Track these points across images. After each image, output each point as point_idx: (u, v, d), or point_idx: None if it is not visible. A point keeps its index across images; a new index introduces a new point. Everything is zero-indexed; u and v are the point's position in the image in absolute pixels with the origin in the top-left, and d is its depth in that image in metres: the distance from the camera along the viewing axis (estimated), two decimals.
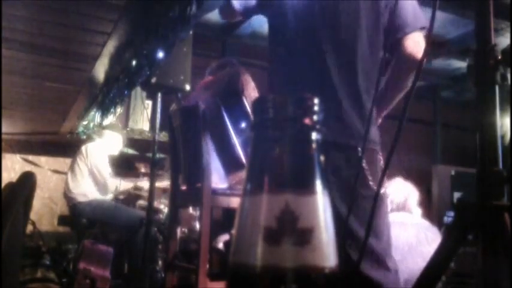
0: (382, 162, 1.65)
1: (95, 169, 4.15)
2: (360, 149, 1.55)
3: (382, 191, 1.61)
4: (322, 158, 0.41)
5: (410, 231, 2.50)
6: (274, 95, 0.41)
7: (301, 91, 1.56)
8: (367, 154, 1.58)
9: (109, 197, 4.26)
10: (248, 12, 1.90)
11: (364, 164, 1.55)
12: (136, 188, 4.39)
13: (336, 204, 1.43)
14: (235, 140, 2.49)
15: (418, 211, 2.77)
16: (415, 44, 1.65)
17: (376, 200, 1.19)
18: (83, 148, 4.29)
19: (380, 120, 1.82)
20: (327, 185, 0.41)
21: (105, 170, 4.17)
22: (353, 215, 1.45)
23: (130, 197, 4.43)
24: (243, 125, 2.48)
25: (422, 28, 1.67)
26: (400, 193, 2.73)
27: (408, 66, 1.65)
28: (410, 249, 2.39)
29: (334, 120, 1.57)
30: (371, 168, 1.58)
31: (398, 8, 1.65)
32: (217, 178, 2.39)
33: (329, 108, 1.53)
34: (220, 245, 2.80)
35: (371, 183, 1.56)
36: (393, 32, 1.66)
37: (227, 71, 2.81)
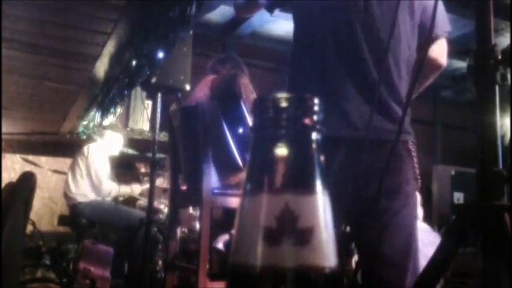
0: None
1: (92, 170, 4.16)
2: (410, 141, 1.56)
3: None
4: (322, 158, 0.41)
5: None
6: (266, 96, 0.41)
7: (346, 93, 1.54)
8: (412, 148, 1.59)
9: (109, 197, 4.26)
10: (272, 7, 1.84)
11: (415, 160, 1.57)
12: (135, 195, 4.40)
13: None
14: (232, 143, 2.49)
15: (422, 216, 2.79)
16: (441, 48, 1.69)
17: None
18: (85, 148, 4.29)
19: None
20: (327, 185, 0.41)
21: (102, 173, 4.17)
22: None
23: (131, 197, 4.44)
24: (240, 130, 2.49)
25: (447, 32, 1.70)
26: None
27: (430, 69, 1.67)
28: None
29: (389, 121, 1.54)
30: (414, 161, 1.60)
31: (428, 7, 1.64)
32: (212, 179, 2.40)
33: (383, 109, 1.51)
34: (220, 245, 2.80)
35: (418, 177, 1.58)
36: (423, 33, 1.65)
37: (225, 75, 2.82)
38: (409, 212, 1.55)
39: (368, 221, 1.48)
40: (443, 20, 1.71)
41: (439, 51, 1.69)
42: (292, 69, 1.73)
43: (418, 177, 1.62)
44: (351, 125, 1.49)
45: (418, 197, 2.80)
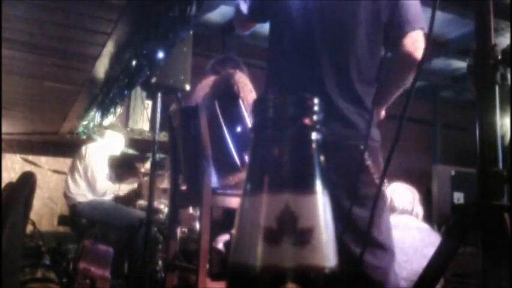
0: (381, 159, 1.66)
1: (89, 170, 4.17)
2: (362, 147, 1.55)
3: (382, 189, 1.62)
4: (322, 158, 0.41)
5: (416, 234, 2.50)
6: (271, 95, 0.41)
7: (297, 92, 1.56)
8: (371, 152, 1.58)
9: (109, 197, 4.27)
10: (256, 15, 1.89)
11: (369, 162, 1.56)
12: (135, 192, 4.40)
13: (342, 203, 1.43)
14: (230, 143, 2.49)
15: (422, 215, 2.78)
16: (414, 42, 1.65)
17: (378, 197, 1.19)
18: (83, 148, 4.30)
19: (382, 117, 1.82)
20: (327, 185, 0.41)
21: (98, 173, 4.18)
22: (358, 212, 1.46)
23: (131, 197, 4.44)
24: (239, 129, 2.49)
25: (422, 28, 1.67)
26: (406, 198, 2.73)
27: (406, 65, 1.65)
28: (415, 252, 2.40)
29: (334, 121, 1.57)
30: (376, 166, 1.58)
31: (399, 6, 1.65)
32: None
33: (328, 108, 1.53)
34: (220, 245, 2.80)
35: (376, 181, 1.57)
36: (393, 30, 1.66)
37: (224, 74, 2.82)
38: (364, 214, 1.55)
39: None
40: (416, 16, 1.68)
41: (412, 46, 1.64)
42: (268, 69, 1.80)
43: (374, 179, 1.60)
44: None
45: (417, 196, 2.80)
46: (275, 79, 1.75)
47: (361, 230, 1.48)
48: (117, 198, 4.34)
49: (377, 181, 1.56)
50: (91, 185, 4.16)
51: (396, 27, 1.65)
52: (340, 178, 1.46)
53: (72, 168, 4.26)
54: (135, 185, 4.43)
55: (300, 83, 1.65)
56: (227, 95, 2.62)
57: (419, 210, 2.73)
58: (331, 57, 1.64)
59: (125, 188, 4.39)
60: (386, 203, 1.69)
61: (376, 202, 1.29)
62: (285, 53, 1.72)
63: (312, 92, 1.52)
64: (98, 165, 4.20)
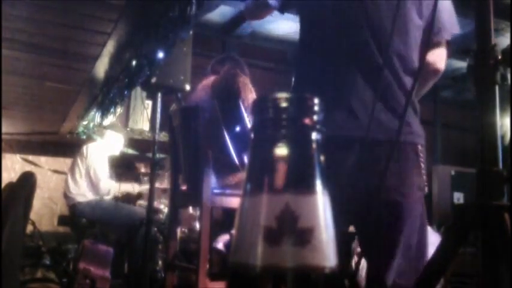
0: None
1: (91, 170, 4.16)
2: (420, 146, 1.57)
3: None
4: (322, 158, 0.41)
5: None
6: (266, 96, 0.41)
7: (357, 96, 1.53)
8: (420, 153, 1.59)
9: (109, 197, 4.26)
10: (284, 7, 1.83)
11: (422, 164, 1.56)
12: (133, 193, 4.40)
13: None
14: (230, 143, 2.49)
15: None
16: (441, 52, 1.65)
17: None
18: (84, 148, 4.29)
19: None
20: (327, 185, 0.41)
21: (101, 172, 4.17)
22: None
23: (131, 197, 4.44)
24: (238, 129, 2.49)
25: (454, 35, 1.67)
26: None
27: (427, 72, 1.65)
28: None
29: (391, 119, 1.53)
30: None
31: (439, 10, 1.61)
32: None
33: (391, 106, 1.51)
34: (220, 245, 2.80)
35: (425, 182, 1.57)
36: (429, 35, 1.62)
37: (224, 74, 2.81)
38: (414, 224, 1.52)
39: (375, 229, 1.46)
40: (452, 22, 1.66)
41: (439, 55, 1.65)
42: (300, 69, 1.71)
43: (425, 184, 1.61)
44: (360, 125, 1.47)
45: None
46: (317, 76, 1.63)
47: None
48: (117, 198, 4.33)
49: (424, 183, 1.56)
50: (94, 185, 4.15)
51: (431, 33, 1.60)
52: (392, 182, 1.44)
53: (73, 168, 4.26)
54: (135, 189, 4.43)
55: (358, 84, 1.57)
56: (227, 95, 2.62)
57: None
58: (381, 55, 1.56)
59: (125, 189, 4.38)
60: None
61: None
62: (328, 51, 1.61)
63: (373, 90, 1.49)
64: (100, 165, 4.19)
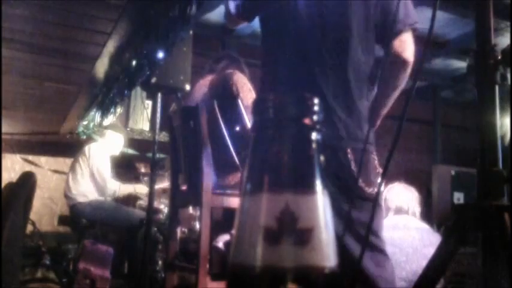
0: (376, 162, 1.65)
1: (95, 171, 4.15)
2: (349, 150, 1.55)
3: (375, 191, 1.60)
4: (322, 158, 0.41)
5: (415, 234, 2.49)
6: (266, 96, 0.41)
7: (292, 94, 1.56)
8: (357, 155, 1.57)
9: (112, 197, 4.26)
10: (244, 15, 1.89)
11: (353, 167, 1.55)
12: (137, 194, 4.40)
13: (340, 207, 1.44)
14: (229, 143, 2.49)
15: (420, 215, 2.77)
16: (402, 43, 1.65)
17: (377, 199, 1.19)
18: (86, 148, 4.28)
19: (379, 120, 1.82)
20: (326, 185, 0.41)
21: (106, 173, 4.17)
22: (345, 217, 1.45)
23: (131, 197, 4.44)
24: (238, 128, 2.49)
25: (412, 25, 1.67)
26: (402, 197, 2.72)
27: (395, 65, 1.66)
28: (415, 252, 2.39)
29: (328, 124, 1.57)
30: (362, 169, 1.57)
31: (389, 5, 1.65)
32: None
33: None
34: (220, 244, 2.80)
35: (361, 184, 1.55)
36: (383, 31, 1.67)
37: (220, 73, 2.81)
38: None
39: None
40: (407, 14, 1.68)
41: (400, 45, 1.65)
42: (263, 74, 1.80)
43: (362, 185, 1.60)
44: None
45: (416, 195, 2.79)
46: (274, 80, 1.74)
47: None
48: (117, 199, 4.33)
49: (362, 185, 1.56)
50: (100, 186, 4.15)
51: (386, 28, 1.65)
52: (333, 181, 1.47)
53: (74, 168, 4.25)
54: (138, 189, 4.42)
55: (298, 85, 1.65)
56: (225, 95, 2.62)
57: (416, 209, 2.72)
58: (327, 58, 1.63)
59: (126, 190, 4.38)
60: (382, 208, 1.69)
61: (375, 206, 1.29)
62: (282, 56, 1.71)
63: (310, 92, 1.54)
64: (104, 166, 4.18)
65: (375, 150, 1.67)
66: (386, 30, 1.65)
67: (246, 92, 2.62)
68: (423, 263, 2.35)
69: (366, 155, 1.60)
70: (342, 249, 1.45)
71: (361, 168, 1.54)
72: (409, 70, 1.67)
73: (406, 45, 1.65)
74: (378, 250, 1.58)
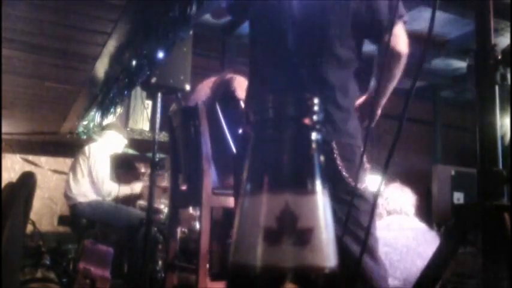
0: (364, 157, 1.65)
1: (93, 171, 4.15)
2: (334, 144, 1.54)
3: (362, 186, 1.60)
4: (322, 158, 0.41)
5: (409, 233, 2.50)
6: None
7: (274, 91, 1.58)
8: (342, 149, 1.56)
9: (109, 198, 4.26)
10: (232, 11, 1.94)
11: (338, 161, 1.54)
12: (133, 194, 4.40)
13: None
14: (231, 144, 2.49)
15: (415, 215, 2.77)
16: (394, 37, 1.66)
17: (354, 196, 1.19)
18: (86, 148, 4.28)
19: (379, 112, 1.82)
20: (326, 184, 0.41)
21: (104, 173, 4.17)
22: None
23: (130, 197, 4.43)
24: (240, 130, 2.49)
25: (401, 17, 1.68)
26: (396, 197, 2.73)
27: (391, 59, 1.67)
28: (408, 251, 2.39)
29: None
30: (348, 163, 1.56)
31: (374, 2, 1.66)
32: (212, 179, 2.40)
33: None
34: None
35: (348, 180, 1.55)
36: (373, 27, 1.68)
37: (223, 79, 2.82)
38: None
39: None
40: (391, 7, 1.68)
41: (393, 39, 1.66)
42: (249, 73, 1.84)
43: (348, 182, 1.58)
44: None
45: (410, 196, 2.79)
46: (257, 80, 1.78)
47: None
48: (117, 199, 4.33)
49: (349, 180, 1.54)
50: (96, 186, 4.15)
51: (376, 24, 1.66)
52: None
53: (74, 168, 4.25)
54: (136, 188, 4.42)
55: (279, 83, 1.67)
56: (227, 97, 2.62)
57: (409, 209, 2.72)
58: (305, 55, 1.66)
59: (124, 192, 4.37)
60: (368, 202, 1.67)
61: (351, 201, 1.29)
62: (262, 55, 1.76)
63: (291, 89, 1.55)
64: (103, 166, 4.19)
65: (362, 146, 1.65)
66: (375, 27, 1.66)
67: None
68: (417, 261, 2.35)
69: (351, 149, 1.59)
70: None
71: (346, 163, 1.54)
72: (404, 60, 1.69)
73: (398, 39, 1.67)
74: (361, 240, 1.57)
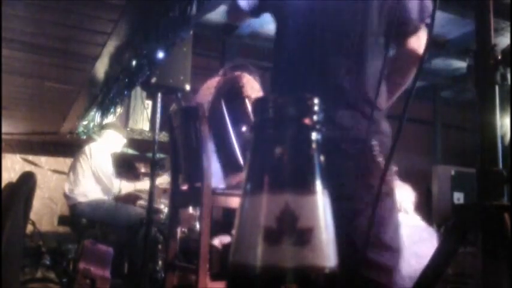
0: (380, 160, 1.64)
1: (99, 170, 4.15)
2: (374, 142, 1.54)
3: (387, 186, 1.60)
4: (322, 158, 0.41)
5: (404, 231, 2.50)
6: (266, 96, 0.42)
7: (311, 93, 1.55)
8: (381, 147, 1.56)
9: (115, 195, 4.26)
10: (255, 12, 1.89)
11: (380, 159, 1.54)
12: (138, 191, 4.39)
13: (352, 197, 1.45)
14: (235, 142, 2.49)
15: (414, 212, 2.77)
16: (419, 40, 1.65)
17: (379, 196, 1.19)
18: (86, 148, 4.28)
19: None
20: (327, 185, 0.41)
21: (109, 171, 4.17)
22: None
23: (131, 197, 4.44)
24: (244, 128, 2.49)
25: (428, 18, 1.66)
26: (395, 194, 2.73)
27: (411, 60, 1.66)
28: (403, 249, 2.39)
29: (331, 121, 1.55)
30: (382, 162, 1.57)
31: (404, 1, 1.64)
32: (216, 179, 2.40)
33: (335, 107, 1.53)
34: (216, 242, 2.79)
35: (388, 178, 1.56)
36: (398, 27, 1.65)
37: (230, 76, 2.81)
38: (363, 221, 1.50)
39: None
40: (422, 8, 1.66)
41: (416, 43, 1.65)
42: (273, 73, 1.80)
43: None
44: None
45: (411, 194, 2.79)
46: (285, 80, 1.73)
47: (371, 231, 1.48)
48: (118, 198, 4.33)
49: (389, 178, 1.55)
50: (105, 185, 4.15)
51: (400, 24, 1.63)
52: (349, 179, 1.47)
53: (75, 168, 4.24)
54: (136, 186, 4.42)
55: (310, 85, 1.64)
56: (232, 95, 2.62)
57: (409, 207, 2.72)
58: (340, 57, 1.62)
59: (128, 187, 4.38)
60: (395, 202, 1.67)
61: (379, 201, 1.28)
62: (292, 55, 1.70)
63: (325, 92, 1.53)
64: (107, 165, 4.18)
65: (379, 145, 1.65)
66: (400, 27, 1.63)
67: (256, 93, 2.62)
68: (412, 260, 2.35)
69: (388, 147, 1.59)
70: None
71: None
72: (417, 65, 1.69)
73: (422, 42, 1.64)
74: (385, 246, 1.57)
